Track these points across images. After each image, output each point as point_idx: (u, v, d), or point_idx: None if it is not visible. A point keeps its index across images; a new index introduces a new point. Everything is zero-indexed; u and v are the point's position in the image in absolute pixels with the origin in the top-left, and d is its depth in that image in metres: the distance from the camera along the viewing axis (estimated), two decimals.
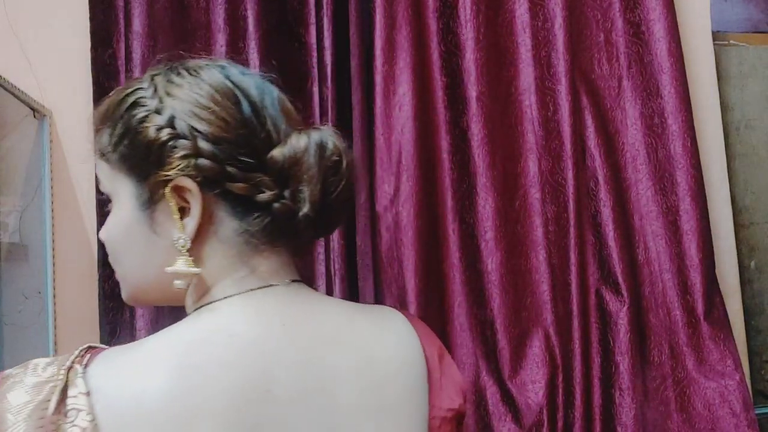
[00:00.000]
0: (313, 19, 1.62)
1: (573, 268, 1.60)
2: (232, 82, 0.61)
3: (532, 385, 1.58)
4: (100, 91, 1.59)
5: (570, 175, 1.62)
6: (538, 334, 1.62)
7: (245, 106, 0.59)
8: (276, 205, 0.57)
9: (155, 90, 0.60)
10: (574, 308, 1.59)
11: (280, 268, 0.61)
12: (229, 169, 0.57)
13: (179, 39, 1.60)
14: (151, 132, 0.57)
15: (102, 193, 0.65)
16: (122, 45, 1.56)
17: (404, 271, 1.56)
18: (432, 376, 0.64)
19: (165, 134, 0.57)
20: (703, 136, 1.74)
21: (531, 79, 1.67)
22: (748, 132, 1.92)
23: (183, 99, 0.59)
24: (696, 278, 1.62)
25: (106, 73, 1.59)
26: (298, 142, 0.58)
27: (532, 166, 1.66)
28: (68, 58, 1.63)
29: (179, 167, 0.57)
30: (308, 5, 1.63)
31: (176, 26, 1.59)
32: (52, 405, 0.51)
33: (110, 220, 0.64)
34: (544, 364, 1.59)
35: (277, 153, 0.57)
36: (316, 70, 1.61)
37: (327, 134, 0.60)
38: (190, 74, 0.61)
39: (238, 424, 0.52)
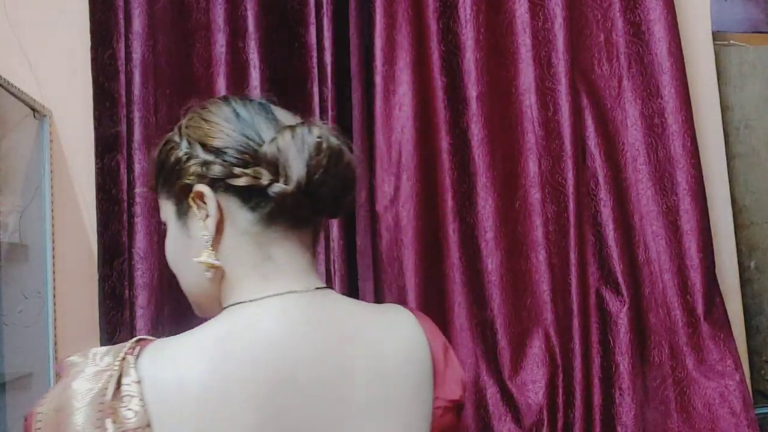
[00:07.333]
0: (313, 19, 1.62)
1: (573, 268, 1.60)
2: (229, 104, 0.74)
3: (532, 385, 1.58)
4: (99, 91, 1.59)
5: (570, 175, 1.62)
6: (538, 334, 1.62)
7: (240, 121, 0.72)
8: (271, 187, 0.67)
9: (179, 130, 0.75)
10: (574, 308, 1.59)
11: (299, 266, 0.71)
12: (232, 168, 0.68)
13: (179, 39, 1.60)
14: (174, 156, 0.72)
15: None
16: (122, 45, 1.56)
17: (404, 271, 1.56)
18: (437, 369, 0.72)
19: (182, 153, 0.71)
20: (703, 136, 1.74)
21: (531, 79, 1.66)
22: (748, 132, 1.92)
23: (195, 127, 0.73)
24: (696, 278, 1.62)
25: (106, 73, 1.59)
26: (283, 134, 0.69)
27: (532, 166, 1.66)
28: (68, 58, 1.63)
29: (194, 174, 0.70)
30: (308, 5, 1.63)
31: (176, 26, 1.59)
32: (110, 392, 0.60)
33: (166, 242, 0.76)
34: (544, 364, 1.59)
35: (266, 147, 0.69)
36: (316, 70, 1.61)
37: (312, 126, 0.70)
38: (201, 109, 0.75)
39: (264, 408, 0.62)
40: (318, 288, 0.71)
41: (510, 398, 1.58)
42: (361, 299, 1.61)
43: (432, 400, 0.70)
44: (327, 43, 1.60)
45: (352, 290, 1.60)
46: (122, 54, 1.57)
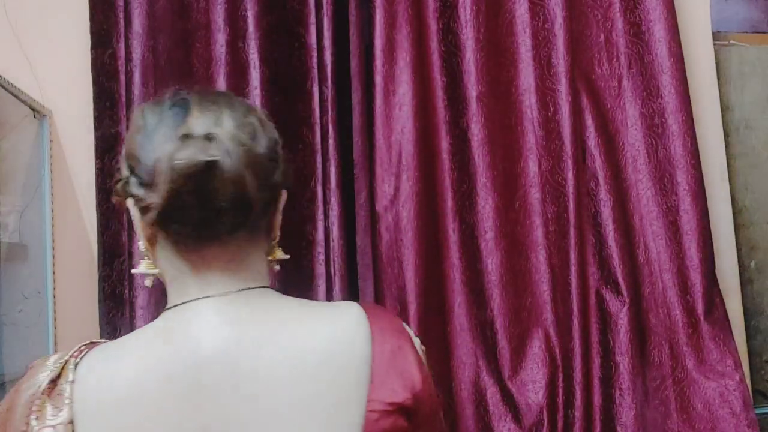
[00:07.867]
0: (313, 19, 1.62)
1: (573, 268, 1.60)
2: (142, 113, 0.71)
3: (532, 385, 1.58)
4: (99, 91, 1.59)
5: (570, 175, 1.62)
6: (538, 334, 1.62)
7: (145, 134, 0.69)
8: (147, 213, 0.66)
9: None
10: (574, 308, 1.59)
11: (214, 274, 0.69)
12: (138, 189, 0.68)
13: (179, 39, 1.60)
14: (117, 166, 0.74)
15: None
16: (122, 45, 1.56)
17: (404, 271, 1.56)
18: (376, 370, 0.68)
19: (119, 165, 0.73)
20: (703, 136, 1.74)
21: (531, 79, 1.66)
22: (748, 132, 1.92)
23: (127, 136, 0.73)
24: (696, 278, 1.62)
25: (106, 73, 1.59)
26: (163, 154, 0.65)
27: (532, 166, 1.66)
28: (68, 58, 1.63)
29: (122, 190, 0.70)
30: (308, 5, 1.63)
31: (176, 26, 1.59)
32: (40, 390, 0.64)
33: None
34: (544, 364, 1.59)
35: (153, 167, 0.66)
36: (316, 70, 1.61)
37: (189, 143, 0.65)
38: (134, 113, 0.73)
39: (178, 408, 0.63)
40: (243, 289, 0.69)
41: (510, 398, 1.58)
42: (361, 299, 1.61)
43: (365, 402, 0.66)
44: (327, 43, 1.60)
45: (352, 290, 1.60)
46: (122, 54, 1.57)
